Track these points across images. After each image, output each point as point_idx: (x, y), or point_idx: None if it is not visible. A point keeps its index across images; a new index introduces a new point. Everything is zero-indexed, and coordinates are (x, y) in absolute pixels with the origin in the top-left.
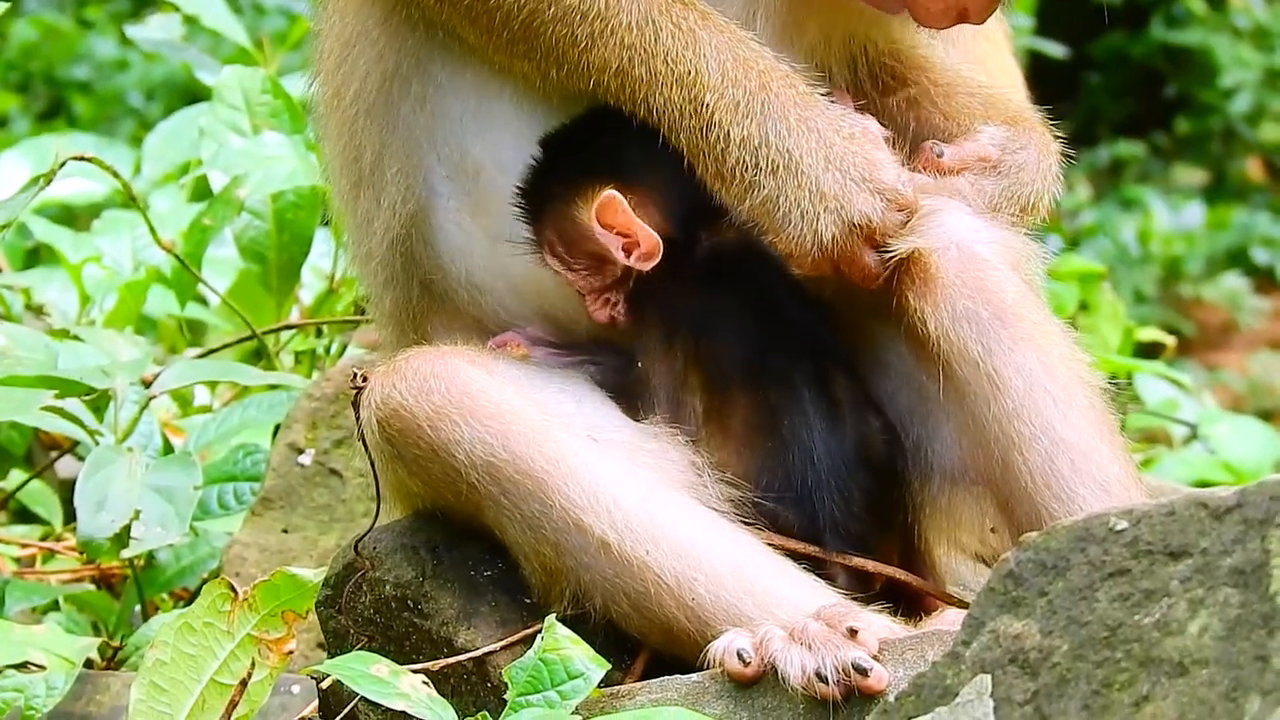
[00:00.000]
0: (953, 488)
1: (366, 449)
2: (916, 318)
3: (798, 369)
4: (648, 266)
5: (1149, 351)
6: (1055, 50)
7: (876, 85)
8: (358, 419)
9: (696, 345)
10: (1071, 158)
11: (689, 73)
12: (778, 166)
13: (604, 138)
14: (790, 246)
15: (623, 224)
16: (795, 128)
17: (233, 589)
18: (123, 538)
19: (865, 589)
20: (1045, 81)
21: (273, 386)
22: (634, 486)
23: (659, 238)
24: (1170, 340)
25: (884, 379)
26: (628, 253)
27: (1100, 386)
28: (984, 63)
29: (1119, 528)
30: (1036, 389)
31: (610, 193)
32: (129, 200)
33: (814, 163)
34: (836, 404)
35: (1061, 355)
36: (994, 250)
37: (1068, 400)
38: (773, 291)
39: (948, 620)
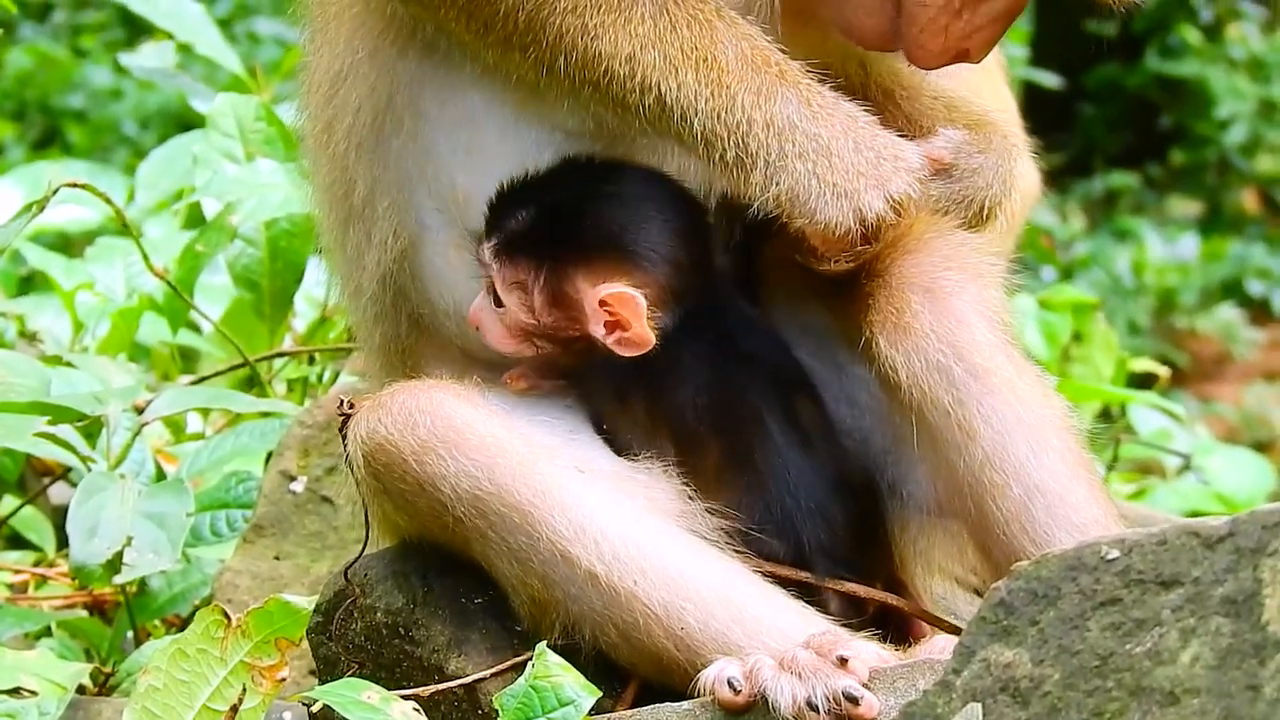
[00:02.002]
0: (931, 525)
1: (354, 476)
2: (888, 365)
3: (762, 402)
4: (623, 354)
5: (1143, 382)
6: (1050, 81)
7: (843, 84)
8: (346, 446)
9: (655, 402)
10: (1066, 189)
11: (707, 58)
12: (806, 150)
13: (614, 202)
14: (824, 228)
15: (626, 319)
16: (819, 113)
17: (226, 615)
18: (115, 564)
19: (857, 614)
20: (1040, 112)
21: (265, 414)
22: (621, 517)
23: (652, 337)
24: (1164, 371)
25: (859, 417)
26: (608, 332)
27: (1077, 429)
28: (978, 92)
29: (1110, 556)
30: (1008, 436)
31: (633, 293)
32: (122, 227)
33: (844, 145)
34: (805, 430)
35: (1035, 401)
36: (967, 303)
37: (1041, 445)
38: (727, 326)
39: (937, 647)
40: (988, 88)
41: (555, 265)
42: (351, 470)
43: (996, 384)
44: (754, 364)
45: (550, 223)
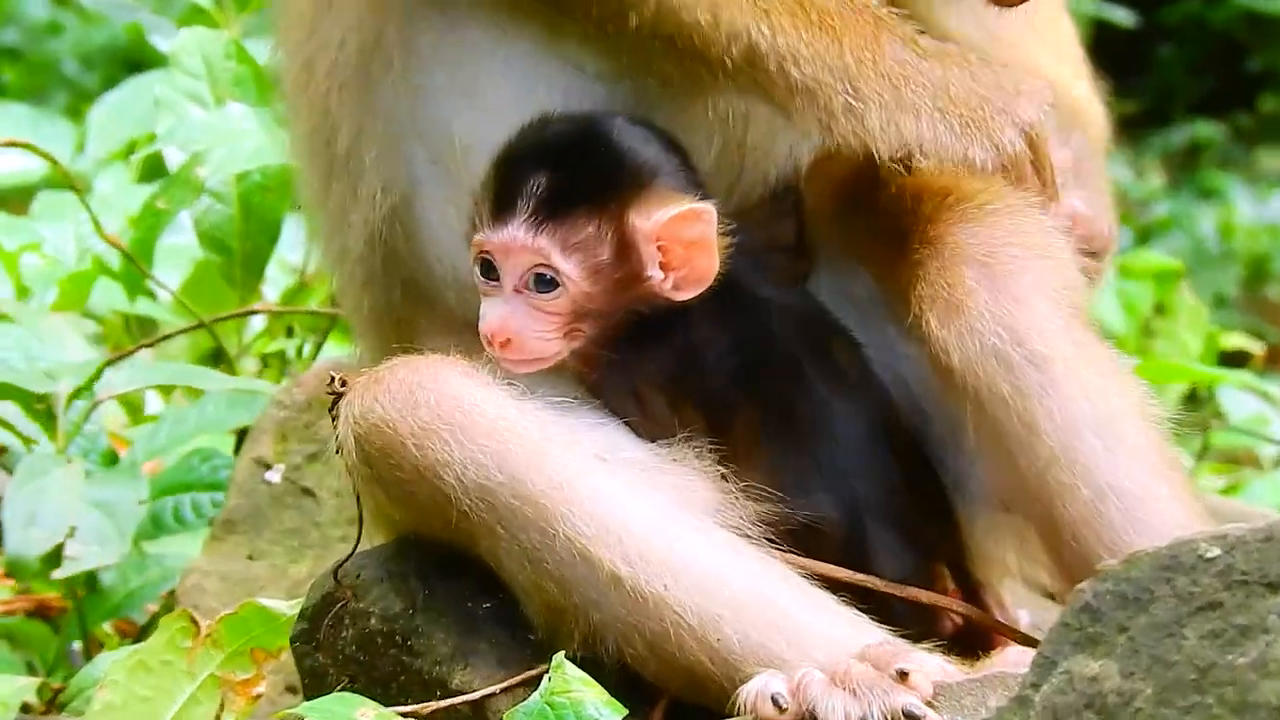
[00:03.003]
0: (999, 523)
1: (345, 462)
2: (939, 346)
3: (797, 350)
4: (679, 296)
5: (1234, 361)
6: (1123, 18)
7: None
8: (335, 428)
9: (681, 385)
10: (1141, 141)
11: (803, 2)
12: (924, 87)
13: (638, 137)
14: (958, 165)
15: (696, 241)
16: (927, 52)
17: (194, 622)
18: (56, 557)
19: (920, 620)
20: (1111, 54)
21: (237, 393)
22: (648, 512)
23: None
24: (1258, 348)
25: (913, 402)
26: (664, 273)
27: (1157, 421)
28: (1041, 34)
29: (1210, 555)
30: (1075, 431)
31: (702, 206)
32: (74, 187)
33: (962, 78)
34: (845, 375)
35: (1106, 391)
36: (1029, 282)
37: (1114, 441)
38: (743, 277)
39: (1011, 660)
40: (1051, 30)
41: (611, 207)
42: (341, 456)
43: (1060, 373)
44: (777, 311)
45: (590, 167)
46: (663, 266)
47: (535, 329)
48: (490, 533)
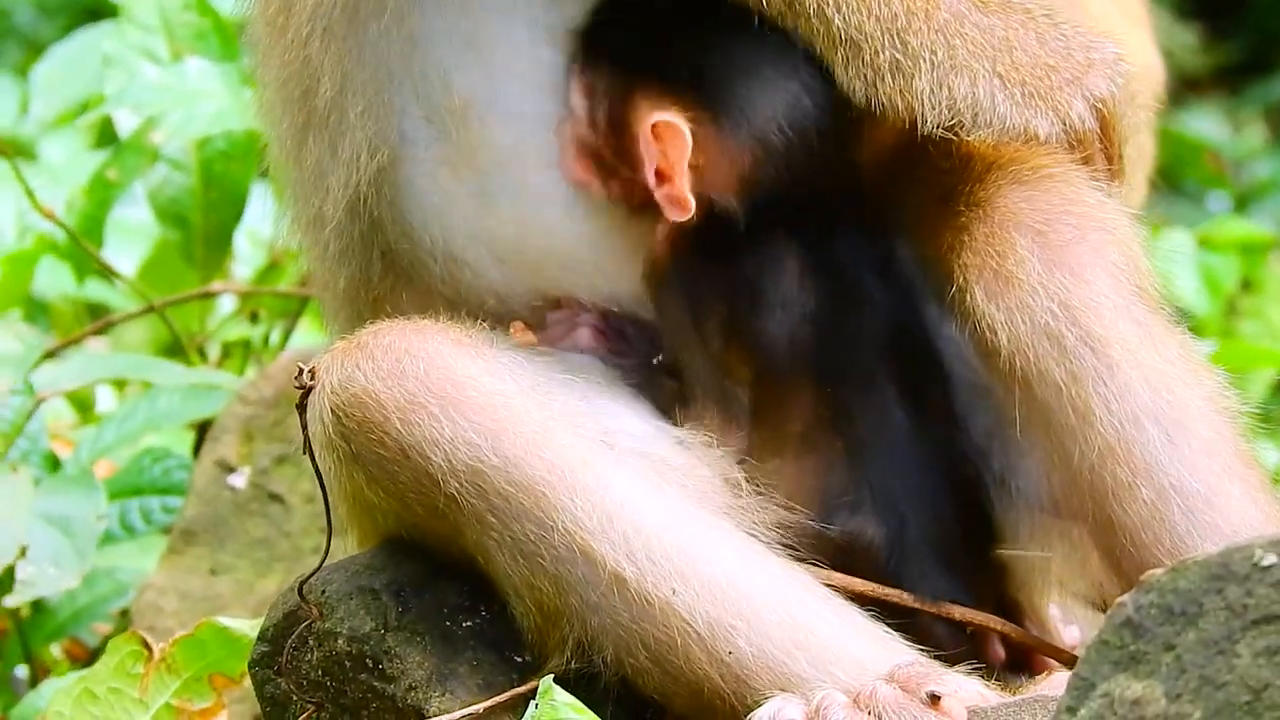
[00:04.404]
0: (1048, 527)
1: (314, 459)
2: (985, 323)
3: (879, 359)
4: (670, 216)
5: None
6: None
7: None
8: (304, 425)
9: (739, 323)
10: (1238, 92)
11: None
12: (982, 45)
13: (725, 37)
14: (1016, 138)
15: (669, 158)
16: (992, 6)
17: (146, 645)
18: (5, 581)
19: (962, 643)
20: None
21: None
22: (658, 507)
23: (693, 202)
24: None
25: (956, 388)
26: (657, 182)
27: (1233, 413)
28: None
29: (1266, 563)
30: (1135, 423)
31: (680, 123)
32: (5, 153)
33: (1026, 38)
34: (925, 407)
35: (1171, 379)
36: (1086, 253)
37: (1180, 434)
38: (847, 259)
39: (1057, 683)
40: None
41: (624, 78)
42: (310, 454)
43: (1118, 357)
44: (875, 310)
45: (642, 29)
46: (658, 175)
47: (565, 145)
48: (480, 522)
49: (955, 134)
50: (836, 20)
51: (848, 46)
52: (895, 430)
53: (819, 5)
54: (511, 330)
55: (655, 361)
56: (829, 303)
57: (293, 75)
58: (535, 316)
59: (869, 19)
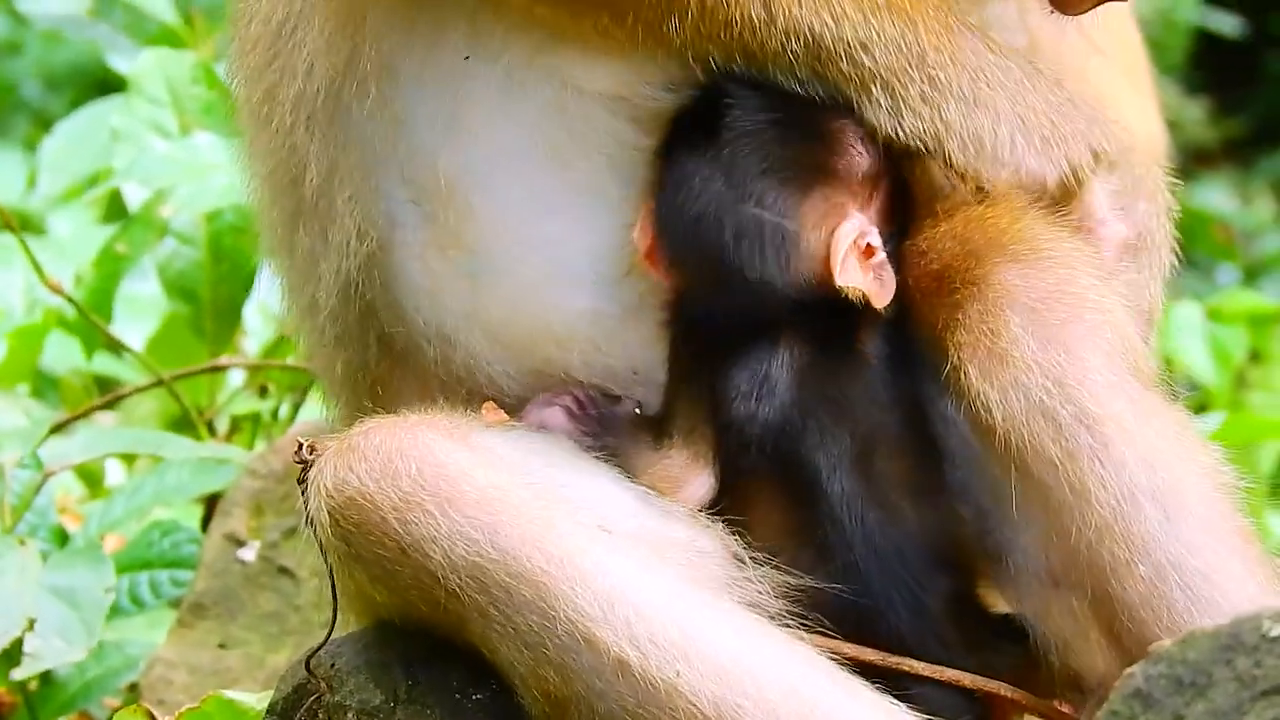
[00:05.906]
0: (1049, 599)
1: (318, 539)
2: (979, 402)
3: (833, 439)
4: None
5: None
6: (1228, 26)
7: None
8: (306, 501)
9: (712, 390)
10: (1249, 164)
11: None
12: (1003, 84)
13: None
14: (1023, 181)
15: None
16: (1003, 51)
17: (152, 718)
18: (14, 654)
19: (967, 709)
20: (1216, 65)
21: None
22: (659, 590)
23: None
24: None
25: (950, 469)
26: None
27: (1230, 485)
28: (1098, 43)
29: (1275, 634)
30: (1131, 500)
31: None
32: (12, 227)
33: (1039, 85)
34: (886, 487)
35: (1167, 456)
36: (1081, 332)
37: (1177, 509)
38: (816, 331)
39: None
40: (1111, 23)
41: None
42: (314, 532)
43: (1112, 434)
44: (872, 389)
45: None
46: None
47: None
48: (482, 615)
49: (974, 168)
50: (867, 62)
51: (879, 84)
52: (859, 518)
53: (849, 51)
54: (483, 410)
55: (636, 411)
56: (820, 382)
57: (280, 164)
58: (528, 395)
59: (898, 57)
